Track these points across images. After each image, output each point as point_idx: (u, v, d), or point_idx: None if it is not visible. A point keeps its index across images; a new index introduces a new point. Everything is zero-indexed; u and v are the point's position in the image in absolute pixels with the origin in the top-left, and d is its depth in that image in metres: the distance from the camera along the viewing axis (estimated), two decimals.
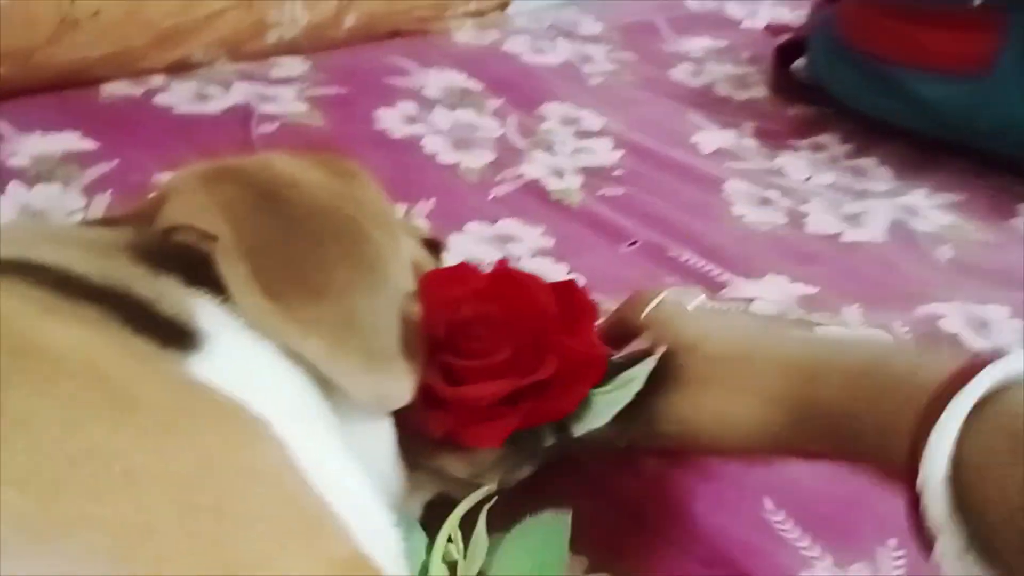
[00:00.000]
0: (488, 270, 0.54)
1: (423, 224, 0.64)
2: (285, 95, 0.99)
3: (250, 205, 0.45)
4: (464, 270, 0.53)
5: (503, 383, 0.48)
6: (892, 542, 0.57)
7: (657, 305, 0.55)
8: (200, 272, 0.42)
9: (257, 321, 0.41)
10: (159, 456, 0.30)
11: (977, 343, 0.74)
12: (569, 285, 0.53)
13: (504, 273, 0.52)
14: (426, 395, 0.47)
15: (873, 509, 0.59)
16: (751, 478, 0.61)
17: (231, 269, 0.42)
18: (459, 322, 0.49)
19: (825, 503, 0.59)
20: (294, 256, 0.44)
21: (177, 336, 0.37)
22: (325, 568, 0.30)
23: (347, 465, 0.40)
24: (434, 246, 0.60)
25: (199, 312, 0.39)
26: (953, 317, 0.76)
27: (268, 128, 0.94)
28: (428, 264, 0.57)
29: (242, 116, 0.96)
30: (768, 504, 0.59)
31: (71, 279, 0.36)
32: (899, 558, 0.56)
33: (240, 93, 0.99)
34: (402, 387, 0.45)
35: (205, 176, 0.47)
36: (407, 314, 0.48)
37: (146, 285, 0.39)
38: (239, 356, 0.39)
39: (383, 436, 0.47)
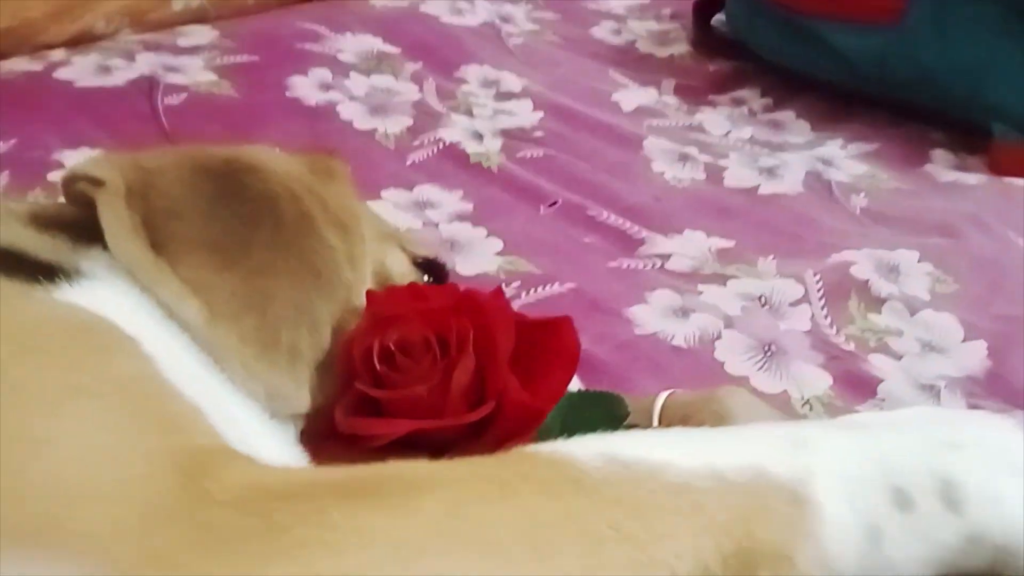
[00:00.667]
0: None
1: (426, 243, 0.58)
2: (192, 65, 0.96)
3: (180, 177, 0.43)
4: (430, 289, 0.45)
5: (406, 422, 0.40)
6: None
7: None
8: (91, 229, 0.41)
9: (131, 269, 0.40)
10: None
11: (886, 288, 0.75)
12: (559, 324, 0.43)
13: (465, 298, 0.43)
14: (326, 424, 0.41)
15: None
16: None
17: (109, 213, 0.41)
18: (383, 346, 0.41)
19: None
20: (215, 227, 0.42)
21: (50, 275, 0.37)
22: (172, 454, 0.29)
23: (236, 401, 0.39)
24: (435, 268, 0.54)
25: (78, 258, 0.40)
26: (864, 264, 0.77)
27: (174, 100, 0.91)
28: (410, 281, 0.51)
29: (147, 88, 0.93)
30: None
31: None
32: None
33: (145, 64, 0.96)
34: (301, 393, 0.40)
35: (150, 150, 0.46)
36: (344, 328, 0.43)
37: (27, 240, 0.40)
38: (115, 293, 0.39)
39: (292, 436, 0.42)
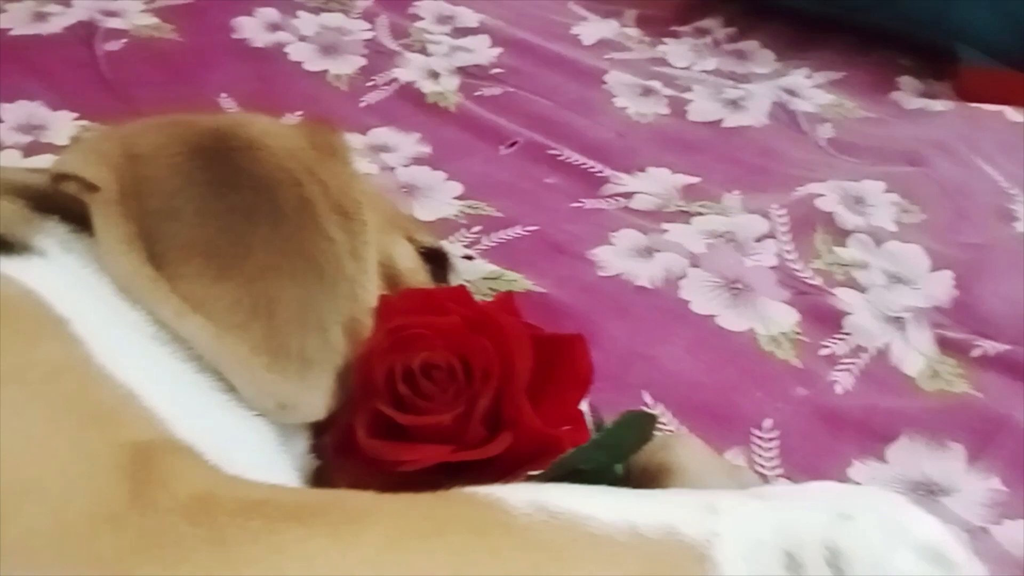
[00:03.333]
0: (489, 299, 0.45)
1: (428, 232, 0.56)
2: (131, 8, 0.92)
3: (172, 162, 0.40)
4: (444, 298, 0.44)
5: (433, 451, 0.39)
6: (767, 423, 0.57)
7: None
8: (54, 199, 0.39)
9: (128, 287, 0.38)
10: None
11: (852, 220, 0.74)
12: (571, 342, 0.43)
13: (484, 316, 0.42)
14: (345, 438, 0.40)
15: (749, 394, 0.60)
16: (632, 375, 0.60)
17: (104, 225, 0.38)
18: (406, 367, 0.40)
19: (701, 392, 0.59)
20: (212, 226, 0.39)
21: None
22: (113, 453, 0.29)
23: (200, 394, 0.37)
24: (437, 258, 0.52)
25: (30, 231, 0.38)
26: (829, 196, 0.76)
27: (114, 45, 0.87)
28: (417, 277, 0.49)
29: (85, 34, 0.88)
30: (647, 398, 0.58)
31: None
32: (772, 439, 0.56)
33: (81, 9, 0.91)
34: (313, 399, 0.39)
35: (136, 126, 0.42)
36: (354, 327, 0.41)
37: None
38: (58, 270, 0.37)
39: (300, 450, 0.40)
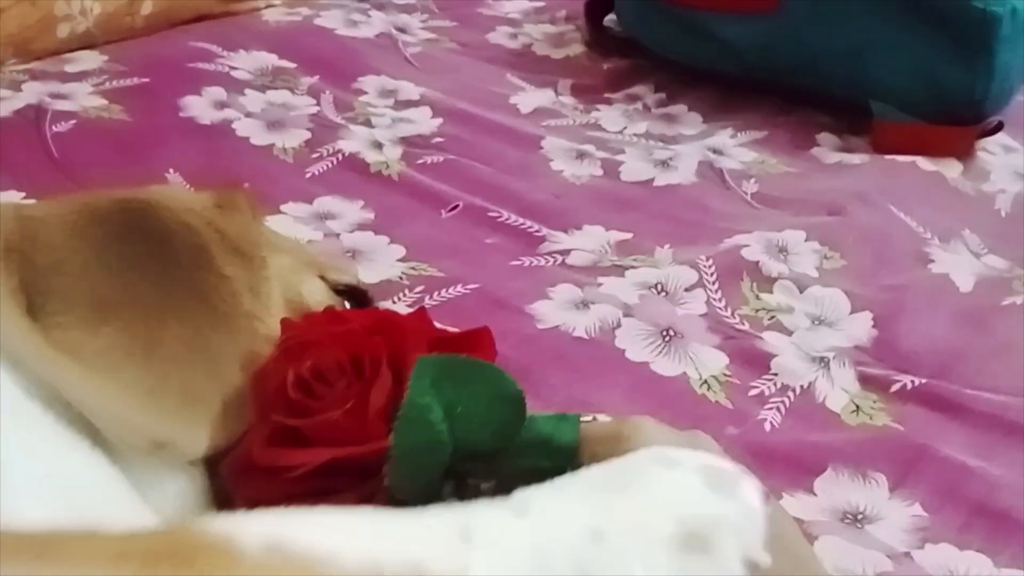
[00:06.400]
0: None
1: (349, 272, 0.57)
2: (80, 91, 0.94)
3: (66, 223, 0.41)
4: (345, 315, 0.44)
5: (318, 451, 0.38)
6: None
7: None
8: None
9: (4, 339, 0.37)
10: None
11: (776, 268, 0.78)
12: (477, 335, 0.44)
13: (380, 319, 0.43)
14: (242, 457, 0.40)
15: None
16: None
17: None
18: (297, 375, 0.40)
19: None
20: (98, 276, 0.40)
21: None
22: None
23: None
24: (358, 295, 0.53)
25: None
26: (754, 246, 0.80)
27: (63, 127, 0.90)
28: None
29: (34, 117, 0.90)
30: None
31: None
32: None
33: (31, 93, 0.94)
34: (192, 437, 0.39)
35: (38, 200, 0.44)
36: (255, 360, 0.41)
37: None
38: None
39: (172, 491, 0.40)
